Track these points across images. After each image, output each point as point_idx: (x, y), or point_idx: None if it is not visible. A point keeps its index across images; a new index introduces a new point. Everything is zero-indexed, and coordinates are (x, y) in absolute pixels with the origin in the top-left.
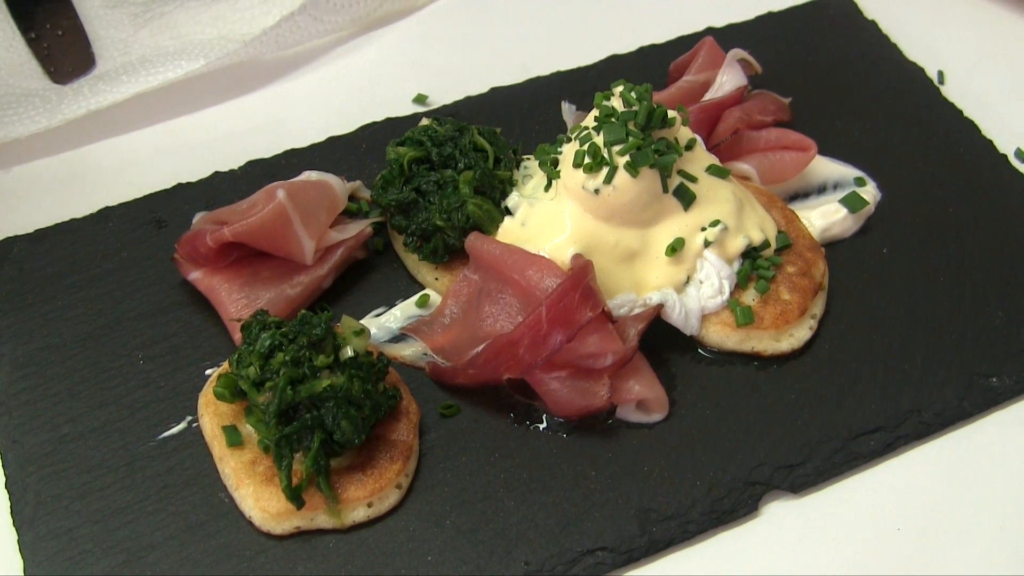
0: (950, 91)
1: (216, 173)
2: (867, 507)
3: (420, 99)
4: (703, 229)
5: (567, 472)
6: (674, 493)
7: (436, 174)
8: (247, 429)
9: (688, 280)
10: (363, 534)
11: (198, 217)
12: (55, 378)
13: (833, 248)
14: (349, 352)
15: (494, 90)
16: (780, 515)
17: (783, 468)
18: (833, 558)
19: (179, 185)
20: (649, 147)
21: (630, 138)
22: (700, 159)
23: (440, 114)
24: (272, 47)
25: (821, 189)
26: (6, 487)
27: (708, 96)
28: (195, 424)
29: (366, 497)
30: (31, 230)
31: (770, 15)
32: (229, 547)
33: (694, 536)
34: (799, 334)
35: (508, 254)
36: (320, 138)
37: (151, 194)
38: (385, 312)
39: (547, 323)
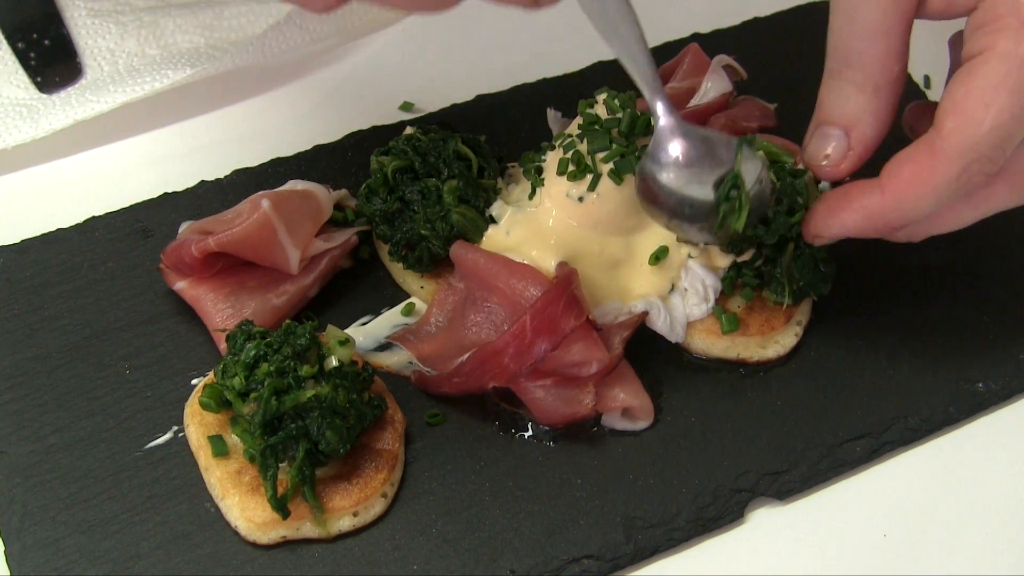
0: (936, 95)
1: (202, 182)
2: (853, 514)
3: (406, 107)
4: None
5: (553, 480)
6: (660, 500)
7: (420, 183)
8: (233, 439)
9: (673, 288)
10: (349, 543)
11: (184, 227)
12: (41, 388)
13: None
14: (334, 362)
15: (480, 97)
16: (766, 522)
17: (769, 475)
18: (819, 565)
19: (165, 194)
20: (633, 154)
21: (614, 145)
22: None
23: (426, 122)
24: (259, 56)
25: None
26: None
27: (693, 102)
28: (181, 434)
29: (352, 506)
30: (17, 240)
31: (756, 20)
32: (215, 557)
33: (680, 544)
34: (785, 341)
35: (492, 263)
36: (306, 146)
37: (137, 203)
38: (371, 321)
39: (532, 332)
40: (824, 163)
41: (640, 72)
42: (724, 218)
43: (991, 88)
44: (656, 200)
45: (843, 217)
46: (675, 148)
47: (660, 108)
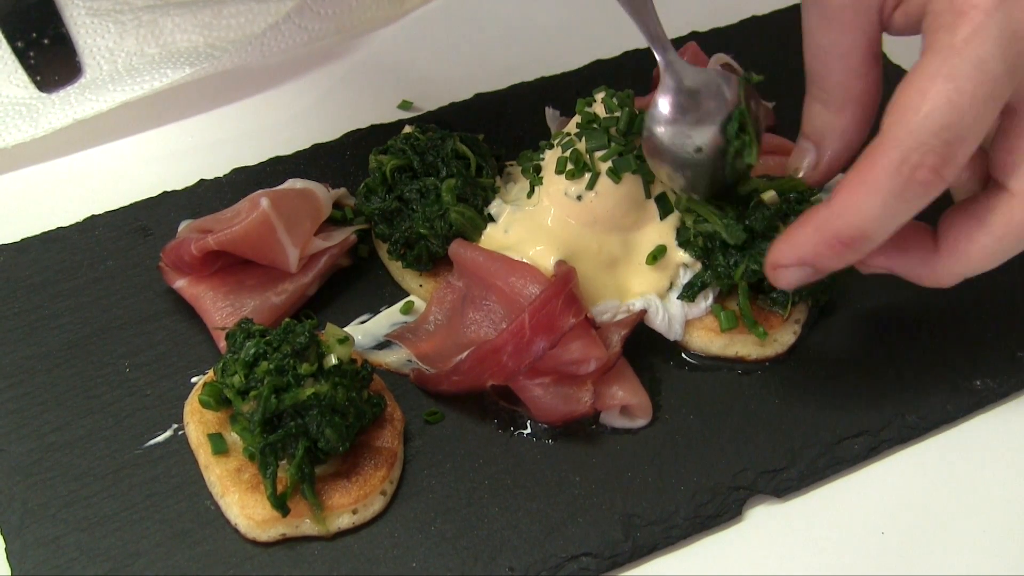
0: None
1: (201, 181)
2: (851, 511)
3: (405, 105)
4: None
5: (551, 478)
6: (658, 498)
7: (418, 182)
8: (232, 437)
9: (671, 286)
10: (348, 541)
11: (183, 225)
12: (41, 387)
13: None
14: (333, 360)
15: (478, 96)
16: (764, 520)
17: (767, 472)
18: (817, 562)
19: (165, 193)
20: (631, 153)
21: (612, 144)
22: None
23: (425, 120)
24: (257, 55)
25: None
26: None
27: None
28: (181, 432)
29: (351, 504)
30: (17, 239)
31: (754, 19)
32: (215, 555)
33: (678, 541)
34: (783, 339)
35: (491, 261)
36: (305, 145)
37: (137, 202)
38: (370, 319)
39: (530, 330)
40: (799, 175)
41: (645, 25)
42: (736, 155)
43: (926, 78)
44: (663, 153)
45: (796, 237)
46: (667, 105)
47: (660, 62)
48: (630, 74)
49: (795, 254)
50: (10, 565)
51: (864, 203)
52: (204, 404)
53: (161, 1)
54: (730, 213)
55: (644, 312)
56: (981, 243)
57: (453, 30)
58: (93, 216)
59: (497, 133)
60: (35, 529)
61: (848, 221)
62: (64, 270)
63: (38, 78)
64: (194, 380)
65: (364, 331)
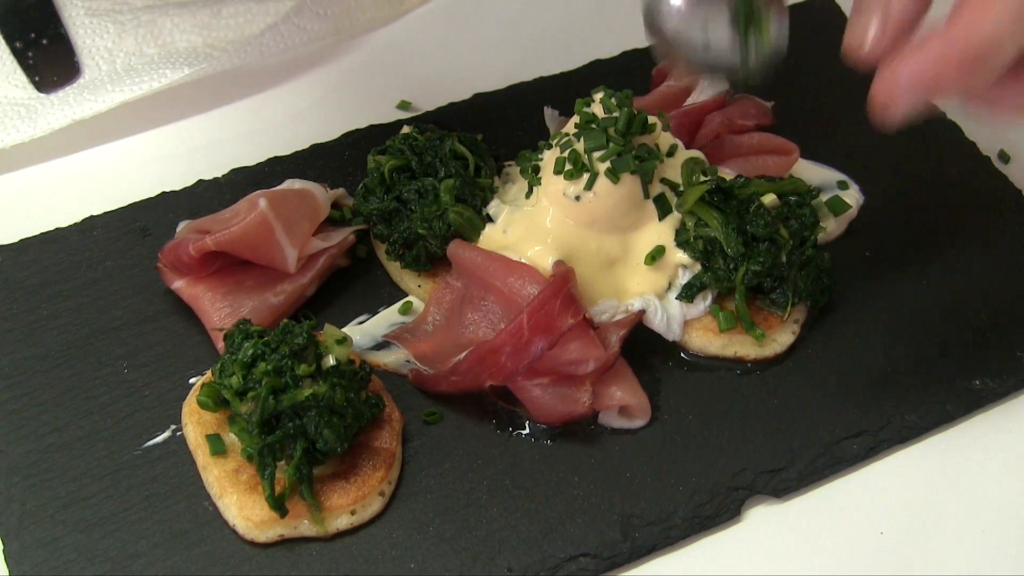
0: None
1: (200, 181)
2: (850, 511)
3: (404, 106)
4: None
5: (550, 478)
6: (657, 498)
7: (417, 183)
8: (231, 438)
9: (670, 286)
10: (346, 541)
11: (182, 226)
12: (40, 388)
13: None
14: (331, 360)
15: (477, 96)
16: (763, 520)
17: (766, 473)
18: (816, 562)
19: (163, 194)
20: (629, 153)
21: (610, 144)
22: None
23: (423, 121)
24: (256, 56)
25: None
26: None
27: (689, 101)
28: (179, 433)
29: (349, 505)
30: (15, 240)
31: None
32: (213, 555)
33: (677, 541)
34: (782, 339)
35: (490, 261)
36: (303, 145)
37: (135, 203)
38: (368, 319)
39: (529, 330)
40: (864, 51)
41: None
42: (747, 35)
43: None
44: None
45: (917, 58)
46: None
47: None
48: (629, 74)
49: (916, 76)
50: (8, 566)
51: (994, 12)
52: (202, 405)
53: (160, 1)
54: (731, 220)
55: (643, 312)
56: None
57: (452, 30)
58: (92, 217)
59: (496, 133)
60: (34, 530)
61: (979, 33)
62: (63, 271)
63: (37, 78)
64: (192, 381)
65: (362, 331)
